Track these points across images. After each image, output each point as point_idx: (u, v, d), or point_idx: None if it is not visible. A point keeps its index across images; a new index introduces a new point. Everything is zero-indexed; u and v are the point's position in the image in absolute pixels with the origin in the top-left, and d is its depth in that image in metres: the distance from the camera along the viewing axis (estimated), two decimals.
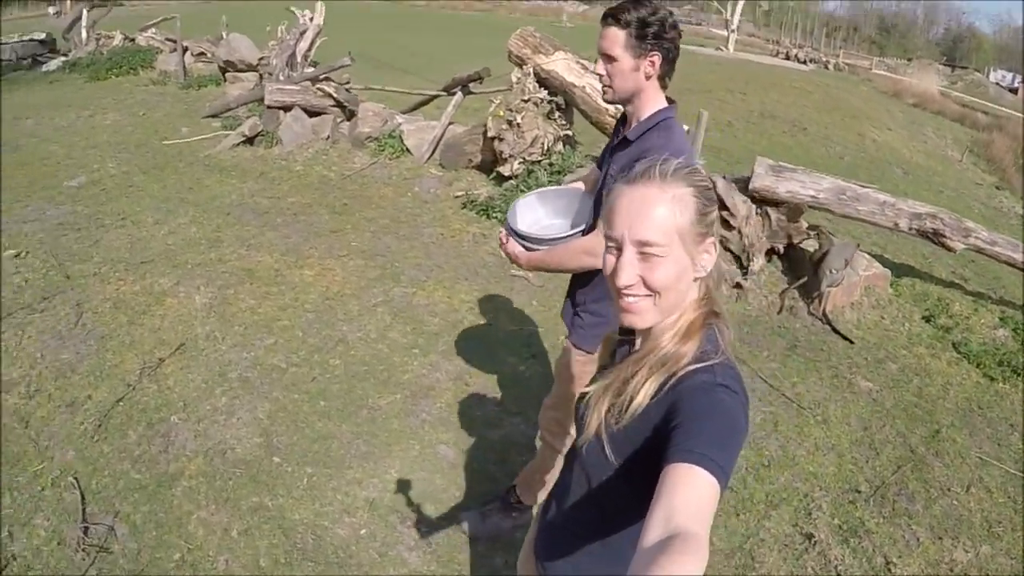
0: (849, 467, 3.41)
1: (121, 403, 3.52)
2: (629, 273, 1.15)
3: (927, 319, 4.88)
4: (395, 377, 3.80)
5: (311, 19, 9.89)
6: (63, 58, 14.21)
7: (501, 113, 5.95)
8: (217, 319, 4.27)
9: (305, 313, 4.35)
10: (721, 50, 25.10)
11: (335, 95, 7.89)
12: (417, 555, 2.77)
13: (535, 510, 2.75)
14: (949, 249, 5.16)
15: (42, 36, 15.34)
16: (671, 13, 2.09)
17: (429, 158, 6.89)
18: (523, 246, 2.31)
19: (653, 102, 2.13)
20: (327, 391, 3.65)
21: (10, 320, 4.19)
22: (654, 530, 0.87)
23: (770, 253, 5.28)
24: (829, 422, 3.73)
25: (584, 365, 2.41)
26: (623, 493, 1.22)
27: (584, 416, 1.27)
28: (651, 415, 1.13)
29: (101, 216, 5.90)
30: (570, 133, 6.35)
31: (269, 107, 7.99)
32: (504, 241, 2.38)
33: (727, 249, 5.21)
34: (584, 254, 2.20)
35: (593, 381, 1.31)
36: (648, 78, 2.08)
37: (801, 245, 5.23)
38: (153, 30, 14.22)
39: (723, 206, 5.21)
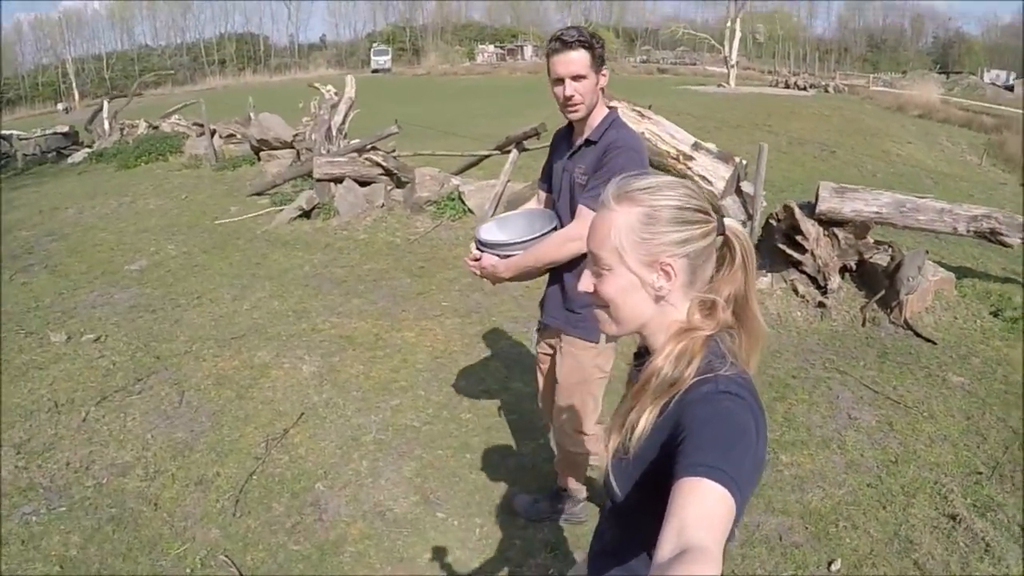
0: (964, 453, 3.57)
1: (255, 476, 3.49)
2: (585, 281, 1.23)
3: (995, 314, 5.09)
4: (532, 423, 3.84)
5: (335, 94, 10.11)
6: (87, 149, 14.50)
7: None
8: (331, 386, 4.30)
9: (420, 373, 4.39)
10: (723, 86, 25.59)
11: (384, 163, 8.04)
12: None
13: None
14: (1006, 246, 5.39)
15: (65, 129, 15.68)
16: None
17: (493, 215, 6.98)
18: (497, 255, 2.42)
19: (601, 108, 2.42)
20: (469, 444, 3.68)
21: (108, 404, 4.20)
22: (666, 546, 0.86)
23: (842, 270, 5.43)
24: (935, 416, 3.90)
25: (596, 356, 2.53)
26: (645, 517, 1.18)
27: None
28: (658, 435, 1.12)
29: (174, 296, 5.99)
30: None
31: (319, 180, 8.14)
32: (477, 258, 2.48)
33: (802, 272, 5.38)
34: (568, 241, 2.36)
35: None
36: (603, 90, 2.38)
37: (872, 260, 5.38)
38: (177, 116, 14.52)
39: (797, 231, 5.33)
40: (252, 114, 12.86)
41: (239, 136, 12.62)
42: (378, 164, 8.09)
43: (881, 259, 5.32)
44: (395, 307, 5.37)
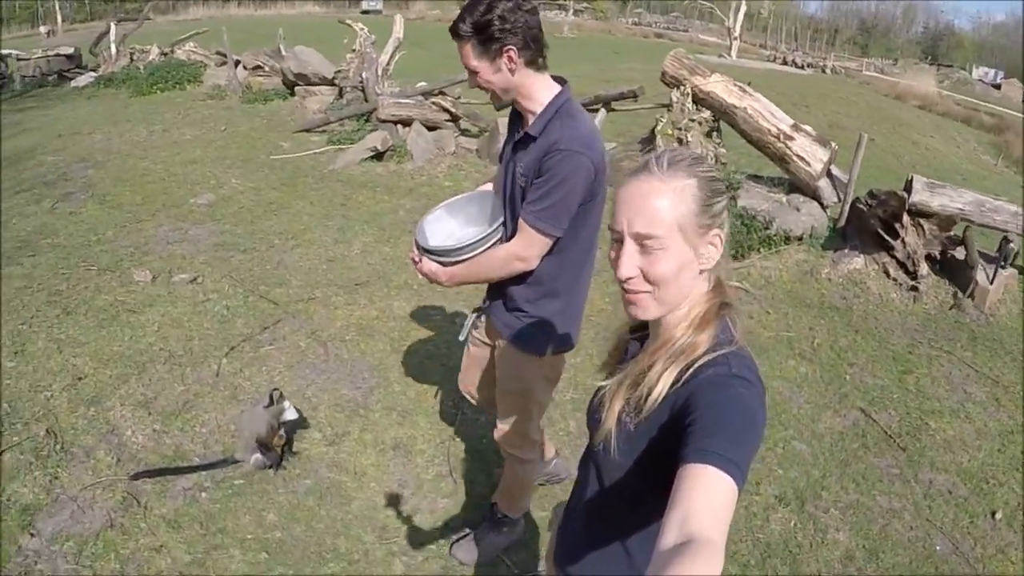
0: None
1: (456, 438, 3.40)
2: (629, 266, 1.14)
3: None
4: None
5: (368, 32, 9.85)
6: (93, 73, 13.83)
7: (670, 131, 6.11)
8: None
9: (582, 331, 4.38)
10: (724, 57, 25.59)
11: (452, 109, 7.92)
12: None
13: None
14: None
15: (69, 51, 14.92)
16: None
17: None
18: (439, 262, 2.19)
19: (540, 90, 2.08)
20: None
21: (239, 355, 3.95)
22: (669, 534, 0.85)
23: (926, 259, 5.75)
24: None
25: (538, 369, 2.32)
26: (638, 490, 1.20)
27: (598, 413, 1.25)
28: (665, 410, 1.11)
29: (262, 235, 5.76)
30: (724, 151, 6.55)
31: (383, 121, 7.98)
32: (418, 261, 2.25)
33: (893, 256, 5.70)
34: (516, 260, 2.12)
35: (607, 377, 1.30)
36: (513, 72, 2.02)
37: (952, 254, 5.75)
38: (192, 44, 13.91)
39: (897, 218, 5.64)
40: (283, 47, 12.39)
41: (268, 69, 12.21)
42: (446, 110, 7.99)
43: (960, 253, 5.67)
44: None
